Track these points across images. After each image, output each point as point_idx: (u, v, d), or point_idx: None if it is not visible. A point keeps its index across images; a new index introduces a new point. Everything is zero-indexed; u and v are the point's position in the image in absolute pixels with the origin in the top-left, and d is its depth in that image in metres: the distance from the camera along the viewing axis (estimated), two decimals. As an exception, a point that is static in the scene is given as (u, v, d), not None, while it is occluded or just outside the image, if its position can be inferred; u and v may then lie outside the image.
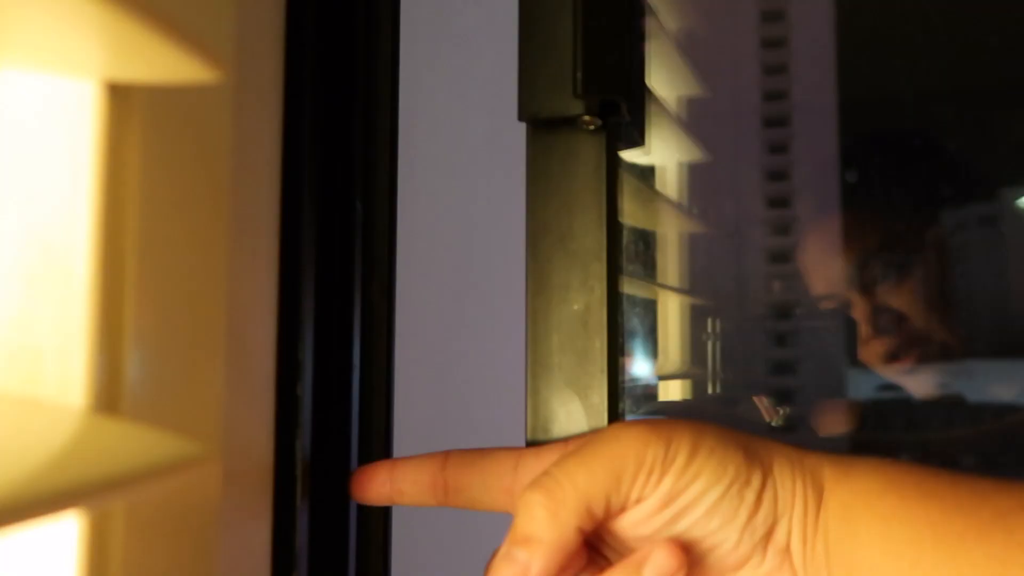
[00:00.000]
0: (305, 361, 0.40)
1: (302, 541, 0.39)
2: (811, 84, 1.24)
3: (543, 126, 0.43)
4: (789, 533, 0.35)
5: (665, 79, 0.88)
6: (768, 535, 0.35)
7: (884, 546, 0.34)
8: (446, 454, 0.39)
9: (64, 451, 0.26)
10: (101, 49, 0.25)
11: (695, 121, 1.08)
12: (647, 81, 0.51)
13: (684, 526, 0.35)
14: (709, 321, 1.18)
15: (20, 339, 0.27)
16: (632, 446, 0.34)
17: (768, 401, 1.22)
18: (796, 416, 1.22)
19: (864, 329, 1.10)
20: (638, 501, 0.35)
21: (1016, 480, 0.35)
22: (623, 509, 0.35)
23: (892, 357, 1.09)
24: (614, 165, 0.43)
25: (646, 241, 0.90)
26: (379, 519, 0.44)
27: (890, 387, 1.20)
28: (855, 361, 1.21)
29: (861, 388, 1.24)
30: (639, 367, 0.99)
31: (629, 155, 0.46)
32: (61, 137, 0.27)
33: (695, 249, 1.08)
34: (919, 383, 1.11)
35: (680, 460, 0.34)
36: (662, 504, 0.34)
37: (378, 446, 0.44)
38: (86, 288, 0.27)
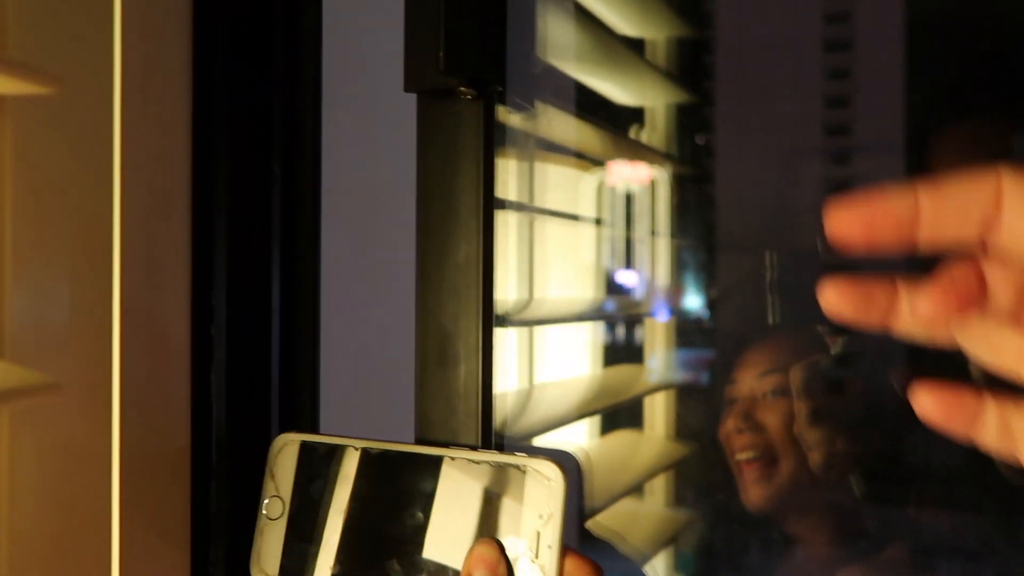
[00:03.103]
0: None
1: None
2: (877, 6, 1.19)
3: (428, 96, 0.48)
4: None
5: (652, 23, 0.89)
6: None
7: None
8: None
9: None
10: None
11: (742, 50, 1.06)
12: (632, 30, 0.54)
13: None
14: (767, 255, 1.19)
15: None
16: None
17: (829, 330, 1.22)
18: (852, 345, 1.21)
19: None
20: None
21: None
22: None
23: None
24: (491, 130, 0.48)
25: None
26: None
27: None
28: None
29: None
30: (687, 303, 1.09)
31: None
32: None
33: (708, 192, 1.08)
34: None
35: None
36: None
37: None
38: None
